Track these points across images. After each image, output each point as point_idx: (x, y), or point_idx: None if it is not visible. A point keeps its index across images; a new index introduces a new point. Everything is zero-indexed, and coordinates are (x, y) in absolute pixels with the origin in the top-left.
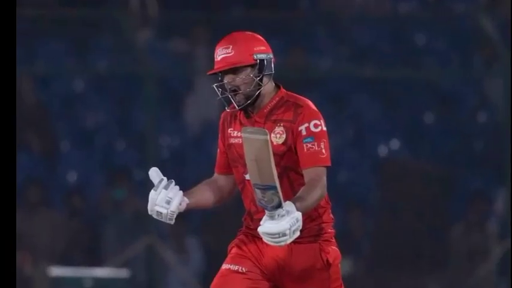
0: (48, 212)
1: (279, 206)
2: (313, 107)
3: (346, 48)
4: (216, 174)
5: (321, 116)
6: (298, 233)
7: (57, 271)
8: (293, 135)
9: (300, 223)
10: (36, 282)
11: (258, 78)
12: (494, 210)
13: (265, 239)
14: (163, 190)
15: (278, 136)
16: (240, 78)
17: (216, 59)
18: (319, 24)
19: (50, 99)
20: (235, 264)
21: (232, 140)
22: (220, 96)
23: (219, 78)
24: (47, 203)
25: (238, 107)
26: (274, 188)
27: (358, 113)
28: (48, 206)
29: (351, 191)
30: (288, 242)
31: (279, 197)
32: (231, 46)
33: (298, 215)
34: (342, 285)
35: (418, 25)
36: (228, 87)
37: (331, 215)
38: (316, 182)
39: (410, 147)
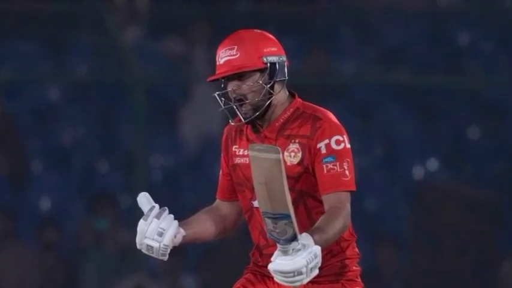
0: (17, 246)
1: (294, 238)
2: (335, 120)
3: (375, 49)
4: (218, 201)
5: (344, 130)
6: (316, 271)
7: None
8: (310, 154)
9: (319, 259)
10: None
11: (269, 86)
12: None
13: (277, 278)
14: (155, 220)
15: (293, 155)
16: (246, 86)
17: (218, 63)
18: (342, 20)
19: (19, 111)
20: None
21: (237, 160)
22: (223, 107)
23: (222, 86)
24: (16, 234)
25: (244, 120)
26: (288, 217)
27: (388, 127)
28: (17, 239)
29: (381, 220)
30: (305, 281)
31: (293, 228)
32: (236, 47)
33: (317, 249)
34: None
35: (460, 22)
36: (232, 96)
37: (357, 250)
38: (338, 210)
39: (451, 168)
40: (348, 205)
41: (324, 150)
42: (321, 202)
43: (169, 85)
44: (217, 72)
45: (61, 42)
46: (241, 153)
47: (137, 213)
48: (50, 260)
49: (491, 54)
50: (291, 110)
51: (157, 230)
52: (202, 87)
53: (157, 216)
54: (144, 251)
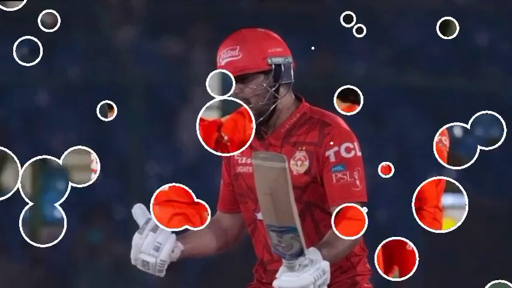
0: (5, 261)
1: (300, 253)
2: (345, 125)
3: (386, 50)
4: (218, 213)
5: (354, 137)
6: None
7: None
8: (318, 162)
9: (328, 276)
10: None
11: (273, 89)
12: None
13: None
14: (151, 233)
15: (299, 163)
16: (250, 89)
17: (219, 64)
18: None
19: (6, 116)
20: None
21: (239, 169)
22: None
23: None
24: (2, 248)
25: None
26: (294, 230)
27: (402, 132)
28: (4, 252)
29: (393, 234)
30: None
31: (300, 242)
32: (238, 47)
33: (325, 265)
34: None
35: (478, 21)
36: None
37: (368, 266)
38: None
39: (468, 177)
40: None
41: (333, 159)
42: (329, 214)
43: (167, 87)
44: None
45: (51, 42)
46: (243, 161)
47: (133, 225)
48: (39, 274)
49: (511, 55)
50: (298, 115)
51: (153, 245)
52: (202, 90)
53: (154, 230)
54: (139, 266)
